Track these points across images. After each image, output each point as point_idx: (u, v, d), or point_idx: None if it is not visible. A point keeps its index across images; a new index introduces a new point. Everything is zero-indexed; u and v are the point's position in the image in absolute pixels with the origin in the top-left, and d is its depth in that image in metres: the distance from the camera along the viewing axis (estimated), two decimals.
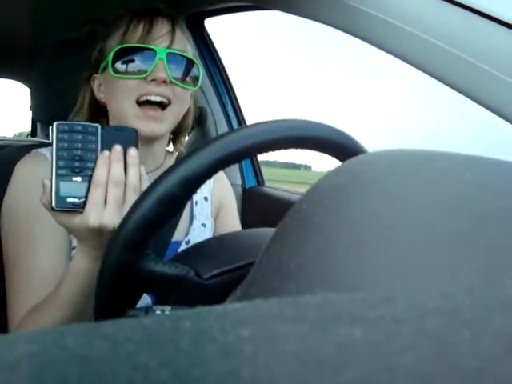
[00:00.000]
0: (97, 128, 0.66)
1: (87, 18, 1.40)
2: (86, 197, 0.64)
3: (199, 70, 0.83)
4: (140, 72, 0.78)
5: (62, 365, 0.12)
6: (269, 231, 0.50)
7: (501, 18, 0.54)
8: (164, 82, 0.77)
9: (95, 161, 0.65)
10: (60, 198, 0.63)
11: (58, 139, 0.63)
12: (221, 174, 1.00)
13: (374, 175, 0.28)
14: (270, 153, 0.53)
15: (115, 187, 0.64)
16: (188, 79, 0.81)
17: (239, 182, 1.51)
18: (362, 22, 0.66)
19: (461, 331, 0.13)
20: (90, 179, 0.64)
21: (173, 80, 0.78)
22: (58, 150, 0.63)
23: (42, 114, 1.16)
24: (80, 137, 0.65)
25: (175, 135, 0.95)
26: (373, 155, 0.33)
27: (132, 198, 0.64)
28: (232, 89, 1.52)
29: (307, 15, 0.74)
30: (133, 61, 0.78)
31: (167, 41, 0.80)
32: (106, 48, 0.82)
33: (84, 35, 1.44)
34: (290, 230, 0.28)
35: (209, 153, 0.48)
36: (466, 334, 0.13)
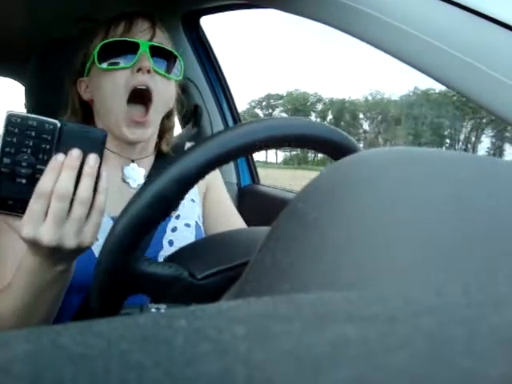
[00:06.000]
0: (55, 125, 0.56)
1: (82, 16, 1.40)
2: (28, 202, 0.55)
3: (181, 63, 0.85)
4: (125, 63, 0.80)
5: (57, 364, 0.12)
6: (263, 230, 0.50)
7: (498, 18, 0.55)
8: (148, 71, 0.79)
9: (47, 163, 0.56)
10: None
11: (6, 132, 0.55)
12: None
13: (367, 174, 0.28)
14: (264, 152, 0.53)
15: (58, 201, 0.55)
16: (170, 71, 0.84)
17: (235, 180, 1.51)
18: (357, 20, 0.66)
19: (455, 330, 0.13)
20: (36, 183, 0.56)
21: (157, 69, 0.81)
22: (4, 144, 0.55)
23: (37, 112, 1.15)
24: (33, 133, 0.56)
25: (160, 135, 0.94)
26: (367, 154, 0.33)
27: (77, 214, 0.57)
28: (227, 87, 1.51)
29: (302, 13, 0.75)
30: (117, 54, 0.81)
31: (149, 35, 0.83)
32: (90, 49, 0.84)
33: (78, 33, 1.44)
34: (285, 229, 0.28)
35: (201, 154, 0.47)
36: (460, 333, 0.13)
